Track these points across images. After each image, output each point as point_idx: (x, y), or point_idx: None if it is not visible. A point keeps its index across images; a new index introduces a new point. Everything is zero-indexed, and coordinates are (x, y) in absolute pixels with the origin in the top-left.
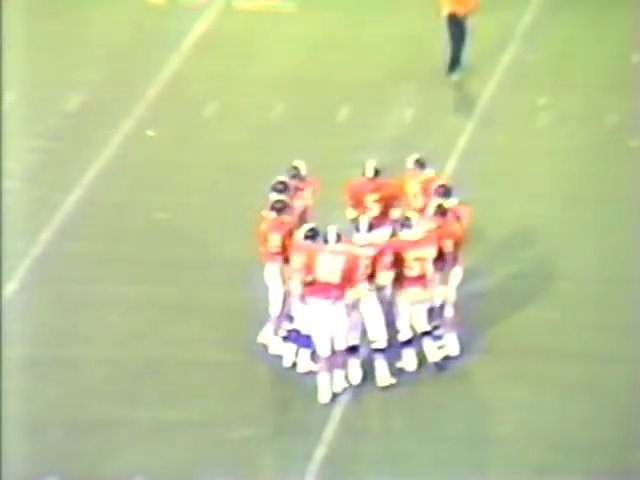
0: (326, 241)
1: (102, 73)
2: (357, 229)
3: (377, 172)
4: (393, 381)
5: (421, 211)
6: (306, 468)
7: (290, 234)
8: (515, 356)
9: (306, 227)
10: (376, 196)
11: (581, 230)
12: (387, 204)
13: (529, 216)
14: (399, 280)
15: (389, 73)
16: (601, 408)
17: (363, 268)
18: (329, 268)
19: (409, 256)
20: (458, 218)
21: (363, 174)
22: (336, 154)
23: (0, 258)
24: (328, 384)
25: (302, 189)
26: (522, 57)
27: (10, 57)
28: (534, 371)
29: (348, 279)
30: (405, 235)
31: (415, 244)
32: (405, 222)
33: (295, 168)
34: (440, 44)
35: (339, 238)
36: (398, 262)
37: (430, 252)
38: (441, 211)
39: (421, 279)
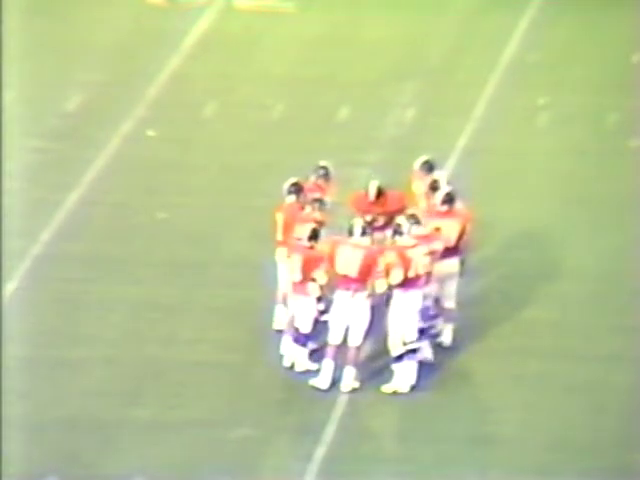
0: (351, 234)
1: (102, 73)
2: (398, 232)
3: (380, 192)
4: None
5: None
6: (306, 468)
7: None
8: (515, 356)
9: (308, 227)
10: (380, 210)
11: (581, 230)
12: (391, 216)
13: (529, 216)
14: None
15: (389, 73)
16: (601, 408)
17: (382, 265)
18: (348, 261)
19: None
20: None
21: (366, 192)
22: (336, 154)
23: (0, 258)
24: (331, 372)
25: (325, 190)
26: (522, 57)
27: (10, 57)
28: (534, 371)
29: (366, 274)
30: (415, 231)
31: (425, 239)
32: (412, 219)
33: (323, 168)
34: (440, 44)
35: (364, 232)
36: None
37: (439, 245)
38: (449, 198)
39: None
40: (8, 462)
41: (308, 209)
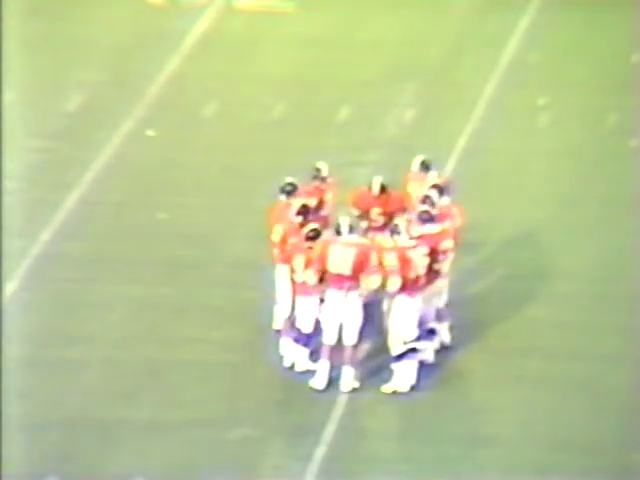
0: (339, 233)
1: (102, 73)
2: (396, 232)
3: (384, 188)
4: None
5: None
6: (306, 468)
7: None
8: (515, 356)
9: (309, 227)
10: (381, 210)
11: (580, 230)
12: (391, 216)
13: (529, 216)
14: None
15: (389, 73)
16: (601, 408)
17: (375, 260)
18: (340, 260)
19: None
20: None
21: (369, 188)
22: (336, 154)
23: (0, 258)
24: (327, 372)
25: (324, 190)
26: (522, 57)
27: (10, 57)
28: (534, 371)
29: (359, 271)
30: (430, 229)
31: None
32: (425, 215)
33: (317, 170)
34: (440, 44)
35: (352, 230)
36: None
37: (450, 244)
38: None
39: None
40: (8, 462)
41: (299, 219)
